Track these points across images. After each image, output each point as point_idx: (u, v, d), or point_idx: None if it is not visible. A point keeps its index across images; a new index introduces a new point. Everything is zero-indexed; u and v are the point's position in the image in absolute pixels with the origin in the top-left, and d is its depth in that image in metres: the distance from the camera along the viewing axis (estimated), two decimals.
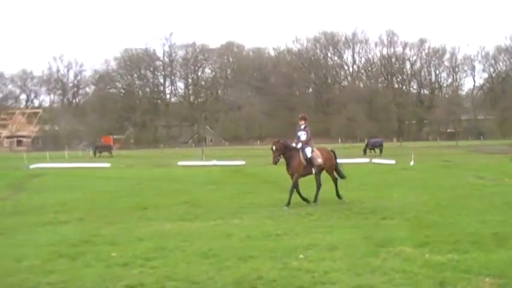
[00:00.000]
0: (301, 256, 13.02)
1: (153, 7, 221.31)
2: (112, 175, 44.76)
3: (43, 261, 13.61)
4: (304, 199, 22.94)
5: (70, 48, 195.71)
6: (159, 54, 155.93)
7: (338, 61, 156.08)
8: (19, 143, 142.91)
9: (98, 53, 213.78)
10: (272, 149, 22.90)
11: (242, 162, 54.98)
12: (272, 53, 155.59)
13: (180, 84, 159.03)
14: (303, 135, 23.42)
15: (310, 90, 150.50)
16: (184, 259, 13.14)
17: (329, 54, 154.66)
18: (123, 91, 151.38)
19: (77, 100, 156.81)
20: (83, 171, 49.85)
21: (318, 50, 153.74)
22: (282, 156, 22.86)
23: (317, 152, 23.31)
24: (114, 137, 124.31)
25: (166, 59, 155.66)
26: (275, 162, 22.92)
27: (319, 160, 23.10)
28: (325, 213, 20.41)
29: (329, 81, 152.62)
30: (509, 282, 10.69)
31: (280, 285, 10.80)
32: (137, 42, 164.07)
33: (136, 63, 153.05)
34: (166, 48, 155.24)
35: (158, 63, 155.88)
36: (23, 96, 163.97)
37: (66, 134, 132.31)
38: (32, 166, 55.56)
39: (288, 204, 22.00)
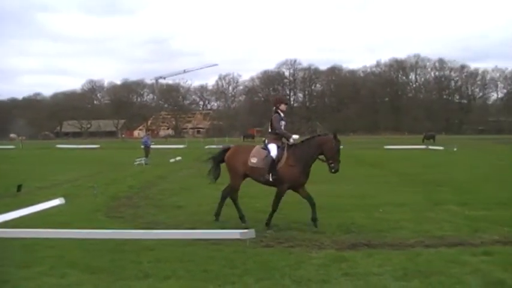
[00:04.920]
0: (380, 210, 13.00)
1: (283, 40, 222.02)
2: None
3: (213, 207, 13.95)
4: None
5: (228, 69, 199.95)
6: (286, 74, 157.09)
7: (405, 80, 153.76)
8: (198, 132, 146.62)
9: (246, 73, 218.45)
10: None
11: (341, 147, 54.33)
12: (361, 74, 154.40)
13: (300, 95, 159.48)
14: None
15: (387, 99, 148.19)
16: (302, 209, 13.17)
17: (399, 75, 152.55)
18: (263, 99, 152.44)
19: (234, 105, 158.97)
20: None
21: (392, 72, 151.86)
22: None
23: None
24: (257, 128, 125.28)
25: (291, 78, 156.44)
26: None
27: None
28: (399, 182, 20.19)
29: (399, 93, 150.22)
30: None
31: (367, 228, 10.82)
32: (271, 66, 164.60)
33: (272, 80, 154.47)
34: (291, 71, 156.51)
35: (285, 80, 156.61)
36: (201, 103, 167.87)
37: (226, 127, 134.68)
38: (206, 147, 56.82)
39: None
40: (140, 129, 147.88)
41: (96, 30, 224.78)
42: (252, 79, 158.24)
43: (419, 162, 31.70)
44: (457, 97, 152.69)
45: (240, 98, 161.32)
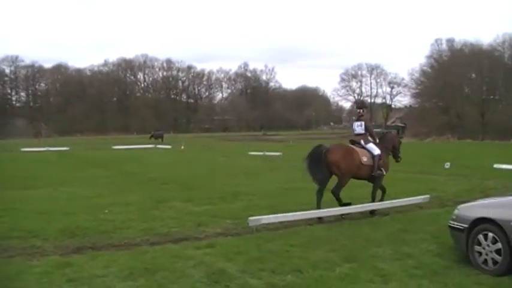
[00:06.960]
0: (106, 211, 12.96)
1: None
2: None
3: None
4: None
5: None
6: (7, 72, 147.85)
7: (133, 79, 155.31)
8: None
9: None
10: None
11: (67, 148, 53.26)
12: (88, 73, 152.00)
13: (23, 94, 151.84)
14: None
15: (115, 99, 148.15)
16: (25, 216, 12.64)
17: (127, 75, 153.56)
18: None
19: None
20: None
21: (120, 72, 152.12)
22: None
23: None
24: None
25: (12, 76, 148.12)
26: None
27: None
28: (126, 182, 20.38)
29: (127, 93, 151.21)
30: (241, 222, 11.22)
31: (92, 231, 10.70)
32: None
33: None
34: (12, 68, 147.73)
35: (6, 78, 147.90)
36: None
37: None
38: None
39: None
40: None
41: None
42: None
43: (146, 161, 32.54)
44: (185, 97, 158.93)
45: None
